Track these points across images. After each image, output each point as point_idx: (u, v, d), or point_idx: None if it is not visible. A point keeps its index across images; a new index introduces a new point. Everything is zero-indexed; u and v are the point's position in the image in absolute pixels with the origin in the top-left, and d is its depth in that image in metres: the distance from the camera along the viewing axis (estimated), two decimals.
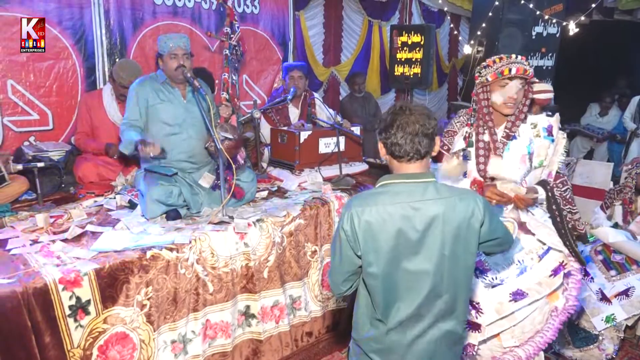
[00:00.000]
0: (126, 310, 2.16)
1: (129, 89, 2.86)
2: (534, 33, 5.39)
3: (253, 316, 2.66)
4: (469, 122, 2.28)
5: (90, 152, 3.34)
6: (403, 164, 1.64)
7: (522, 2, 4.94)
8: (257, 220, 2.65)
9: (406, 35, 5.51)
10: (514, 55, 2.16)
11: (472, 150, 2.26)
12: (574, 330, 3.11)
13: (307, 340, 2.91)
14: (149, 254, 2.23)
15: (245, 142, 3.60)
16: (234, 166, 2.64)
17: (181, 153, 2.81)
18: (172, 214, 2.64)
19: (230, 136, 2.66)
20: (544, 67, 5.67)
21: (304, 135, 3.38)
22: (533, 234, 2.15)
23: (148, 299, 2.23)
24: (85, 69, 3.63)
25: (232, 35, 3.16)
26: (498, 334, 2.26)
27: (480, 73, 2.22)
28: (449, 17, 7.18)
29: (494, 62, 2.16)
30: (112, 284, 2.11)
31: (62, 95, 3.54)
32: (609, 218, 3.36)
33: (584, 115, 6.72)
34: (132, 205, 2.82)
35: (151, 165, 2.78)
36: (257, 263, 2.64)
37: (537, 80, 3.42)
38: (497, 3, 5.04)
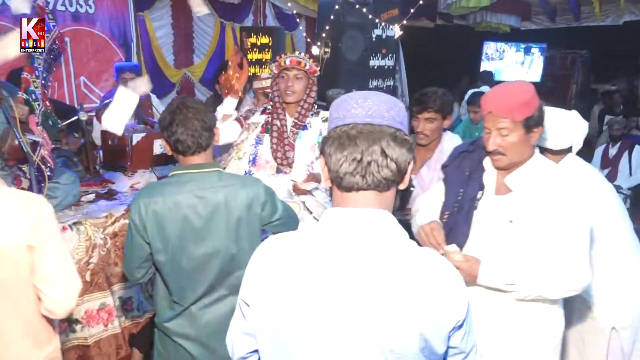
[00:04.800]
0: None
1: None
2: (374, 35, 5.79)
3: (77, 321, 2.61)
4: (267, 111, 2.50)
5: None
6: (187, 156, 1.77)
7: (357, 7, 5.31)
8: (74, 224, 2.60)
9: (255, 36, 5.67)
10: (297, 52, 2.44)
11: (267, 136, 2.49)
12: None
13: None
14: None
15: (80, 147, 3.50)
16: (45, 170, 2.57)
17: None
18: None
19: (39, 139, 2.58)
20: (386, 67, 6.12)
21: (136, 137, 3.35)
22: (311, 212, 2.41)
23: None
24: None
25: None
26: None
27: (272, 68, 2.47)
28: (304, 20, 7.47)
29: (280, 56, 2.41)
30: None
31: None
32: None
33: None
34: None
35: None
36: (77, 267, 2.59)
37: None
38: (337, 7, 5.36)
